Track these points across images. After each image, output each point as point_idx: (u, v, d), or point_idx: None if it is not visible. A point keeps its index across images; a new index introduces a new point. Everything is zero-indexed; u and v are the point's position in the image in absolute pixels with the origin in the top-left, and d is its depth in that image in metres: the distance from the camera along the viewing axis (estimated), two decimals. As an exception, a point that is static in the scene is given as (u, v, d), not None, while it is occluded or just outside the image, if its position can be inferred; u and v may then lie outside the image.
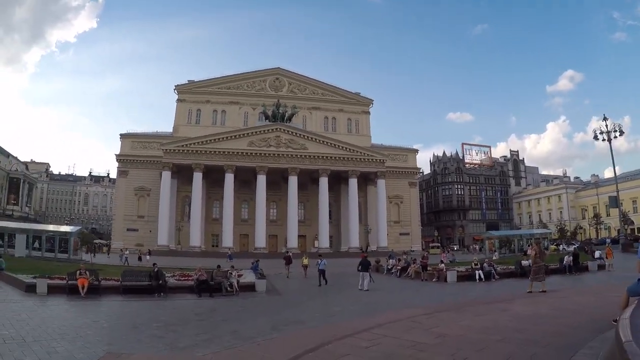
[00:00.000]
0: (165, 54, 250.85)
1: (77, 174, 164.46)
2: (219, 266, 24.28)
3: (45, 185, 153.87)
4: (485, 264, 28.50)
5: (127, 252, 49.25)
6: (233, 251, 66.16)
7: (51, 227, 48.71)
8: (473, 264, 28.44)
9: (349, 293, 22.44)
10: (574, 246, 58.75)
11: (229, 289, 21.52)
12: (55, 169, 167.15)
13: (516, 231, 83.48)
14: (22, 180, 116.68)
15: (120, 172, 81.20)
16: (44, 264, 28.75)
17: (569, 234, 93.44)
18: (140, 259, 49.10)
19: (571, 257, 30.29)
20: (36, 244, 43.34)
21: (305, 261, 33.81)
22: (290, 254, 39.34)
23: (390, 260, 38.60)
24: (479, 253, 72.23)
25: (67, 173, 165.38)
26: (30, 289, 19.62)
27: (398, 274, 33.00)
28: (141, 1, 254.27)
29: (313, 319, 14.72)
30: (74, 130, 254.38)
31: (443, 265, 30.55)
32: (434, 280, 27.88)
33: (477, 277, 26.65)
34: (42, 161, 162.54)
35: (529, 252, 21.91)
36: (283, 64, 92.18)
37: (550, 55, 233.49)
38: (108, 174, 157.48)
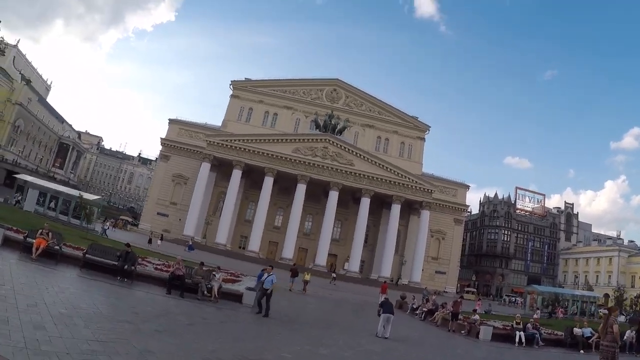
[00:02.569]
0: (232, 55, 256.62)
1: (127, 153, 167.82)
2: (202, 263, 20.87)
3: (94, 157, 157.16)
4: (529, 325, 22.85)
5: (109, 224, 46.40)
6: (259, 256, 63.46)
7: (70, 191, 47.35)
8: (515, 322, 23.03)
9: (354, 334, 17.89)
10: (626, 317, 52.01)
11: (206, 292, 18.16)
12: (107, 144, 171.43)
13: (567, 290, 74.36)
14: (70, 147, 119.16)
15: (162, 156, 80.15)
16: (43, 221, 26.61)
17: (627, 301, 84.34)
18: (150, 241, 46.81)
19: (634, 333, 23.42)
20: (52, 204, 43.55)
21: (307, 277, 33.71)
22: (297, 267, 38.18)
23: (415, 299, 33.86)
24: (517, 307, 66.37)
25: (117, 150, 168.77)
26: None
27: (422, 316, 28.61)
28: (219, 2, 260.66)
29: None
30: (134, 111, 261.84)
31: (477, 316, 25.19)
32: (463, 332, 23.08)
33: (517, 338, 21.57)
34: (96, 134, 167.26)
35: (611, 327, 13.61)
36: (341, 76, 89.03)
37: (619, 109, 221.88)
38: (156, 158, 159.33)
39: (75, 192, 45.67)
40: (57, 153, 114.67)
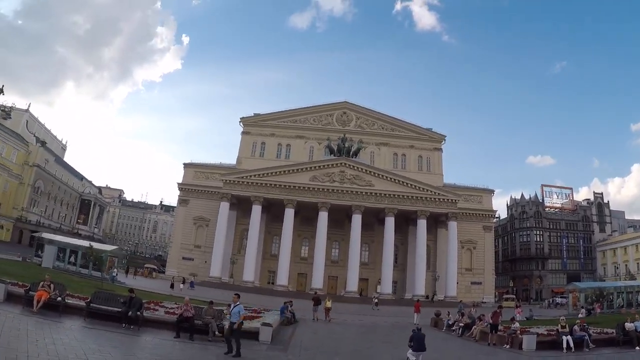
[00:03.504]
0: (241, 95, 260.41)
1: (148, 202, 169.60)
2: (211, 302, 19.88)
3: (117, 210, 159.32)
4: (576, 327, 20.74)
5: (116, 270, 45.93)
6: (289, 289, 62.28)
7: (88, 244, 47.52)
8: (560, 325, 20.82)
9: None
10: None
11: (217, 333, 17.10)
12: (128, 196, 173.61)
13: (609, 283, 70.54)
14: (92, 203, 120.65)
15: (181, 201, 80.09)
16: (56, 275, 26.23)
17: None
18: (172, 286, 46.10)
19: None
20: (72, 259, 44.00)
21: (329, 304, 33.00)
22: (319, 295, 37.63)
23: (450, 314, 31.42)
24: (561, 308, 63.47)
25: (139, 200, 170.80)
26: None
27: (460, 332, 26.64)
28: (222, 45, 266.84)
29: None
30: (152, 161, 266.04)
31: (517, 324, 23.04)
32: (505, 346, 21.12)
33: (564, 344, 19.59)
34: (117, 187, 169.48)
35: None
36: (352, 99, 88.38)
37: (635, 92, 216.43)
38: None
39: (95, 245, 45.60)
40: (79, 210, 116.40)
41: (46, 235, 49.99)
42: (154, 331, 17.45)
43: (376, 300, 53.70)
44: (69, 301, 18.75)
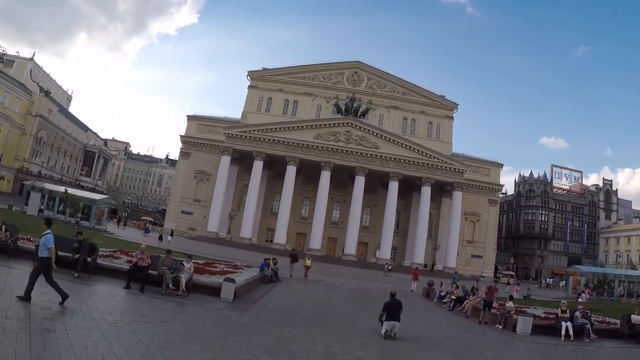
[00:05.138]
0: (256, 52, 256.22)
1: (155, 156, 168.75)
2: (169, 251, 18.13)
3: (122, 163, 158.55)
4: (577, 313, 18.29)
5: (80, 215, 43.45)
6: (286, 248, 61.23)
7: (78, 193, 46.11)
8: (560, 309, 18.46)
9: (351, 333, 13.89)
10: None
11: (171, 286, 15.54)
12: (135, 149, 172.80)
13: (610, 270, 68.58)
14: (97, 155, 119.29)
15: (183, 154, 78.63)
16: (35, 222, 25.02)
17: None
18: (160, 238, 44.83)
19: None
20: (61, 207, 42.57)
21: (308, 262, 32.92)
22: (296, 252, 37.21)
23: (443, 285, 29.44)
24: (558, 290, 62.21)
25: (145, 154, 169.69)
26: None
27: (451, 305, 24.51)
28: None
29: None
30: (161, 115, 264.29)
31: (511, 304, 19.91)
32: (497, 326, 18.92)
33: (562, 331, 17.27)
34: (123, 140, 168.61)
35: None
36: (366, 60, 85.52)
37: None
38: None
39: (84, 194, 44.36)
40: (83, 161, 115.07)
41: (36, 183, 48.52)
42: (107, 280, 15.82)
43: (389, 267, 52.27)
44: (21, 244, 17.30)
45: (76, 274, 15.29)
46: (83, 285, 14.36)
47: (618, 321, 19.48)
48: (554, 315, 18.72)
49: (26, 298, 10.23)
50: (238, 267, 25.17)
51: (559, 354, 15.05)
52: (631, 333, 18.04)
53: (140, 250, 16.37)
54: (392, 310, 13.80)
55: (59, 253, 14.49)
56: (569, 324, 17.42)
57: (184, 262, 16.96)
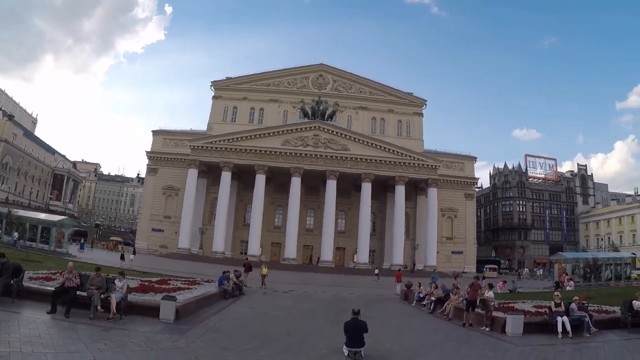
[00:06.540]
0: (224, 65, 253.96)
1: (126, 175, 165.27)
2: (98, 269, 15.97)
3: (93, 184, 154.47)
4: (573, 305, 16.17)
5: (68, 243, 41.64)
6: (260, 259, 59.15)
7: (36, 215, 43.84)
8: (554, 302, 16.32)
9: (305, 352, 12.46)
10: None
11: (100, 308, 13.72)
12: (105, 170, 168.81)
13: (594, 253, 66.93)
14: (66, 177, 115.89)
15: (150, 170, 76.14)
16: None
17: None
18: (122, 257, 42.42)
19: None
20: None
21: (264, 271, 31.65)
22: (250, 261, 36.19)
23: (422, 286, 26.51)
24: (542, 279, 61.53)
25: (116, 174, 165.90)
26: None
27: (431, 307, 22.17)
28: (207, 14, 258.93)
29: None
30: (131, 135, 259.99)
31: (494, 303, 17.68)
32: (483, 328, 16.67)
33: (559, 327, 15.19)
34: (93, 161, 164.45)
35: None
36: (332, 63, 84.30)
37: (621, 69, 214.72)
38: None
39: (43, 216, 42.00)
40: (52, 185, 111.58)
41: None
42: (32, 304, 14.07)
43: (377, 272, 50.81)
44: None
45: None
46: (2, 312, 12.56)
47: (617, 309, 17.82)
48: (547, 310, 16.75)
49: None
50: (195, 283, 23.33)
51: (559, 356, 13.00)
52: (635, 321, 16.09)
53: (67, 269, 14.63)
54: (353, 334, 11.34)
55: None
56: (565, 318, 15.44)
57: (115, 281, 15.11)
